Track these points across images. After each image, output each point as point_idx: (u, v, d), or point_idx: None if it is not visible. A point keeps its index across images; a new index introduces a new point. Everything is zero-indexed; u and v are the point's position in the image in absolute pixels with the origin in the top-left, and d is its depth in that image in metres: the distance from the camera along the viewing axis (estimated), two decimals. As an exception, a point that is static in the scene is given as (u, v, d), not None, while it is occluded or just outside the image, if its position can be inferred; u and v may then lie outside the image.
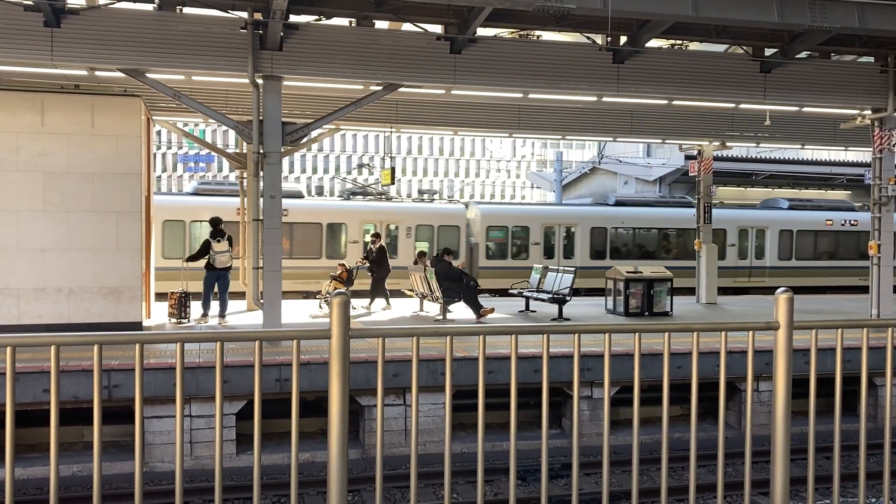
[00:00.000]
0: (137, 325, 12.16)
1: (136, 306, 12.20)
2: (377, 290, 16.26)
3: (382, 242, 16.77)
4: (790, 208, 27.45)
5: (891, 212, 14.72)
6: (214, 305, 13.84)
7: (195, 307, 13.71)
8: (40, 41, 10.74)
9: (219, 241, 13.53)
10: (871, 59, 14.51)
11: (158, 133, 61.62)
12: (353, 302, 15.97)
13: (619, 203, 26.18)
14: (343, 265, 16.32)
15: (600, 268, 22.58)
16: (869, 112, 14.70)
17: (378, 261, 16.15)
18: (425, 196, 28.90)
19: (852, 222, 27.16)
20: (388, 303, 16.35)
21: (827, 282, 26.19)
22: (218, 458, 3.11)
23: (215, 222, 13.93)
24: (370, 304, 16.23)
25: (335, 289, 15.45)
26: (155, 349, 10.43)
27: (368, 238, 18.85)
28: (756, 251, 26.28)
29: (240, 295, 16.80)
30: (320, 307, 15.43)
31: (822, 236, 26.84)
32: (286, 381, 9.84)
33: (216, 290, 13.71)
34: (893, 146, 14.46)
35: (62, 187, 11.86)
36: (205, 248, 13.59)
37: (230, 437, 9.83)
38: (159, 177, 73.22)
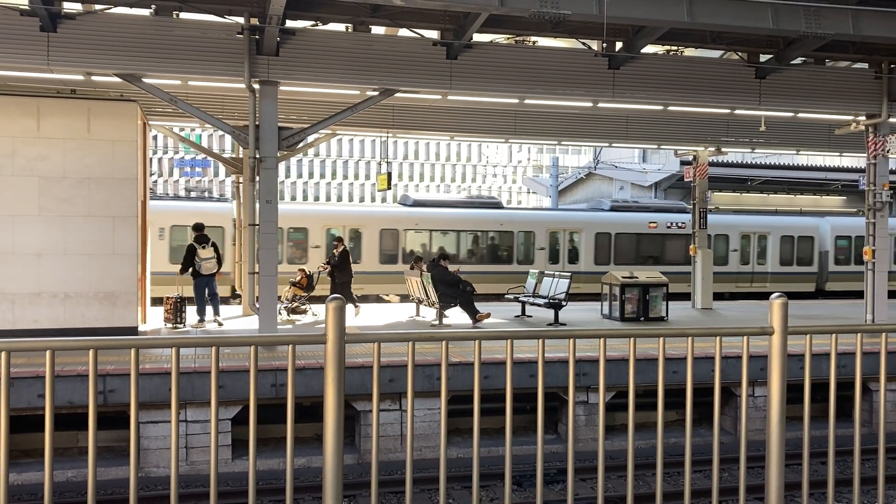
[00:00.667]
0: (133, 330, 12.14)
1: (131, 311, 12.18)
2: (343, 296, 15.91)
3: (345, 246, 16.29)
4: (611, 209, 25.94)
5: (885, 217, 14.76)
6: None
7: (191, 312, 13.68)
8: (36, 46, 10.73)
9: (203, 248, 13.42)
10: (866, 66, 14.57)
11: (155, 138, 61.59)
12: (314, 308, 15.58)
13: (416, 204, 24.76)
14: (303, 270, 15.84)
15: (392, 273, 21.84)
16: (863, 118, 14.75)
17: (340, 265, 15.69)
18: (193, 193, 27.18)
19: (679, 225, 25.54)
20: (356, 307, 15.81)
21: None
22: (213, 464, 3.11)
23: (199, 227, 13.78)
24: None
25: (295, 295, 15.05)
26: (150, 354, 10.41)
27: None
28: (569, 255, 24.64)
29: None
30: (280, 314, 14.80)
31: (645, 239, 25.25)
32: (282, 387, 9.83)
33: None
34: (887, 152, 14.51)
35: (58, 192, 11.85)
36: (191, 255, 13.48)
37: (226, 442, 9.81)
38: (155, 181, 73.16)
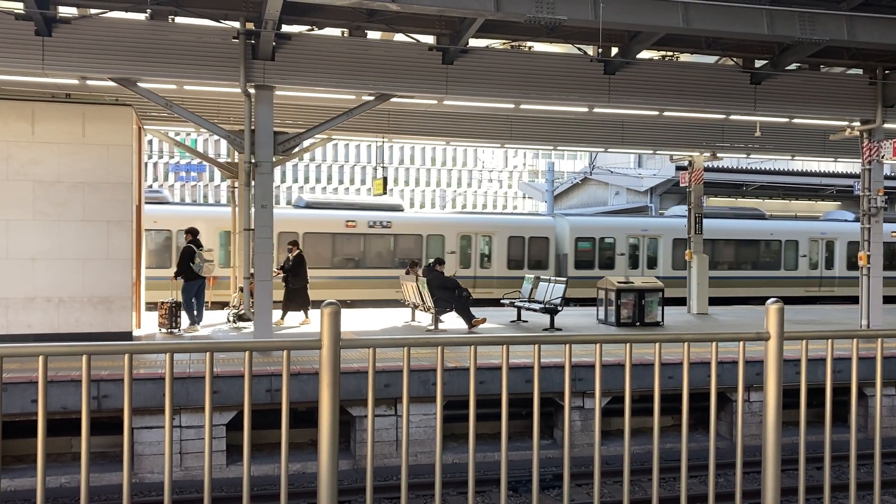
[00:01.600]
0: (128, 335, 12.10)
1: (126, 316, 12.14)
2: (293, 302, 15.02)
3: (300, 250, 15.58)
4: (306, 206, 23.57)
5: (880, 223, 14.80)
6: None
7: (185, 317, 13.64)
8: (31, 50, 10.72)
9: (202, 250, 13.49)
10: (860, 72, 14.63)
11: (150, 142, 61.52)
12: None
13: None
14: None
15: None
16: (858, 123, 14.80)
17: (295, 270, 15.00)
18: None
19: (384, 224, 22.96)
20: (306, 315, 15.08)
21: (348, 294, 21.67)
22: (207, 470, 3.09)
23: (195, 231, 13.78)
24: (283, 316, 14.98)
25: (240, 301, 14.04)
26: (145, 359, 10.38)
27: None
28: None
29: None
30: (228, 320, 14.36)
31: (341, 240, 22.60)
32: (277, 392, 9.80)
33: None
34: (882, 157, 14.56)
35: (53, 196, 11.81)
36: (189, 258, 13.38)
37: (220, 447, 9.77)
38: (150, 186, 73.05)
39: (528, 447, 10.67)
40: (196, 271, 13.37)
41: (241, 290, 14.70)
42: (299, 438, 10.61)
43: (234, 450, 9.99)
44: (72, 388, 9.19)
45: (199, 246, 13.62)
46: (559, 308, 14.47)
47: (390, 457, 10.27)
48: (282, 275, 15.20)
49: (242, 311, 14.41)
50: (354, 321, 15.62)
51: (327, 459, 3.11)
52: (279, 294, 14.43)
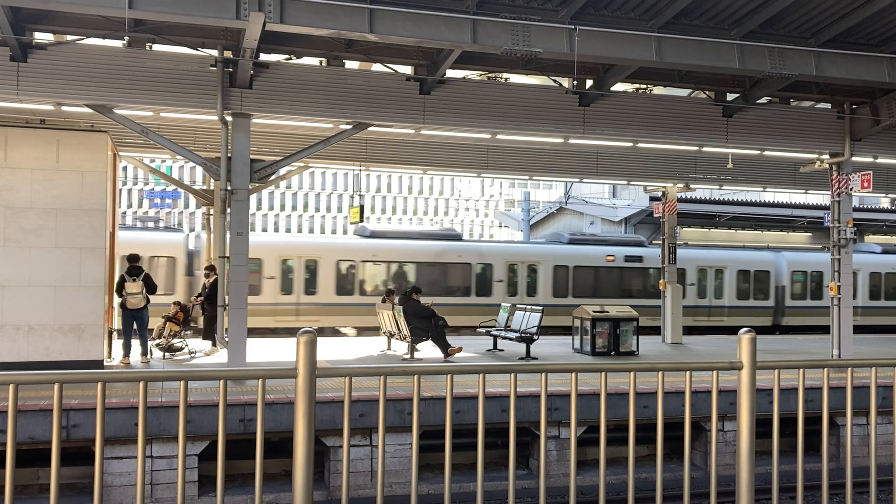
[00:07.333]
0: (99, 364, 11.92)
1: (97, 344, 11.97)
2: (212, 329, 14.07)
3: (217, 276, 14.21)
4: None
5: (849, 254, 15.02)
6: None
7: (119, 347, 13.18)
8: (6, 75, 10.66)
9: (134, 281, 12.64)
10: (829, 106, 14.95)
11: (125, 169, 61.08)
12: (194, 344, 14.52)
13: None
14: (178, 303, 14.55)
15: None
16: (827, 156, 15.09)
17: (212, 297, 13.82)
18: None
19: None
20: (214, 344, 14.21)
21: None
22: (180, 501, 3.05)
23: (132, 259, 12.96)
24: (213, 344, 14.25)
25: (171, 331, 13.88)
26: (115, 388, 10.21)
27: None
28: None
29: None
30: (161, 349, 13.73)
31: None
32: (251, 422, 9.67)
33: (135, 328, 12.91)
34: (851, 190, 14.83)
35: (24, 223, 11.67)
36: (119, 287, 12.76)
37: (192, 478, 9.61)
38: (124, 213, 72.44)
39: (503, 477, 10.61)
40: (122, 301, 12.70)
41: (167, 319, 14.14)
42: (273, 469, 10.47)
43: (207, 480, 9.82)
44: (40, 417, 9.01)
45: (135, 274, 12.75)
46: (535, 337, 14.49)
47: (365, 487, 10.16)
48: (200, 301, 14.77)
49: (172, 342, 13.87)
50: (330, 350, 15.51)
51: (302, 490, 3.08)
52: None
